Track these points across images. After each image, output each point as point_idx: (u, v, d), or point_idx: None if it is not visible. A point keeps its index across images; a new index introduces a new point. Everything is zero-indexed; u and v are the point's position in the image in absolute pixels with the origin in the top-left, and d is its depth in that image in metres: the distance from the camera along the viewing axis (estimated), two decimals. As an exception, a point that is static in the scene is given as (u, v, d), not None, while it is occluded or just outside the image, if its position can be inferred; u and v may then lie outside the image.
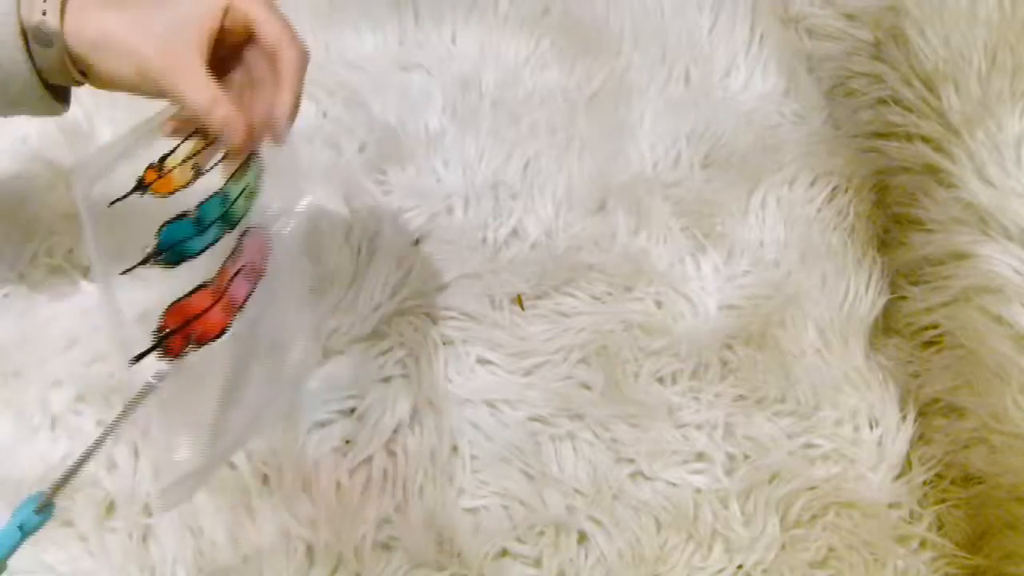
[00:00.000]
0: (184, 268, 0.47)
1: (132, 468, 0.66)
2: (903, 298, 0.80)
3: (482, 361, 0.74)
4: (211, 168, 0.49)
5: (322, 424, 0.70)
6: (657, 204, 0.82)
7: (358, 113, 0.83)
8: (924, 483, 0.73)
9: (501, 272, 0.77)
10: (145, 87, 0.48)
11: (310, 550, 0.66)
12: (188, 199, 0.47)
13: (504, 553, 0.68)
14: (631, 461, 0.72)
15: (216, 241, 0.48)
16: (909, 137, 0.82)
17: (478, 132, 0.82)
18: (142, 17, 0.46)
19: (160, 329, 0.46)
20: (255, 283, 0.48)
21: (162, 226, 0.47)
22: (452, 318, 0.75)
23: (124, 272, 0.45)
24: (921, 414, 0.76)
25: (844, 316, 0.79)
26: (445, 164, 0.81)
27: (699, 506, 0.70)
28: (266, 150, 0.50)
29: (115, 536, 0.64)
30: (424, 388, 0.72)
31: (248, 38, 0.49)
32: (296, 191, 0.51)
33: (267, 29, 0.47)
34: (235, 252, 0.48)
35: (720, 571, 0.68)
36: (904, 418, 0.75)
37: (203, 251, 0.48)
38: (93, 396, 0.66)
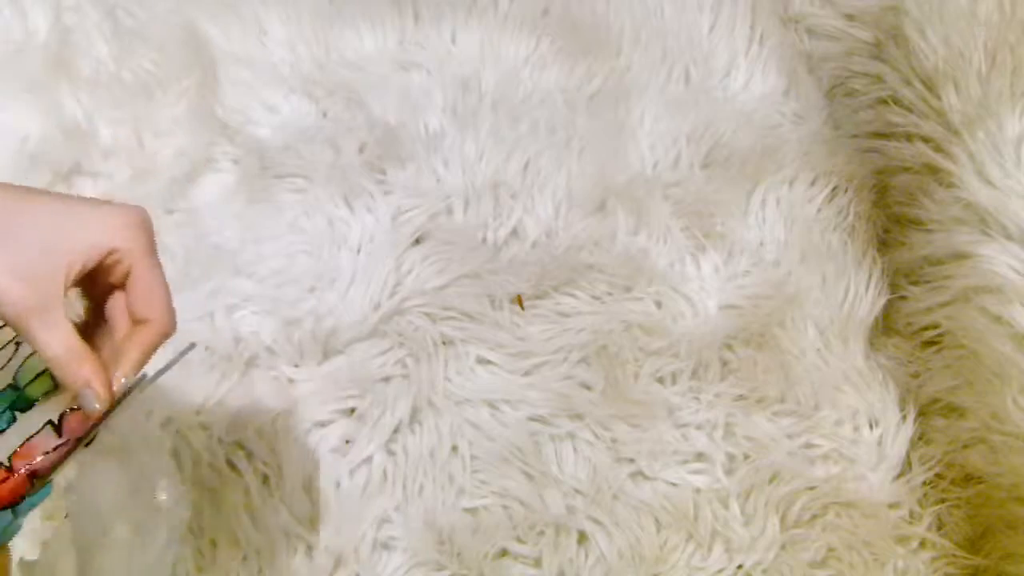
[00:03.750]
0: None
1: (132, 468, 0.66)
2: (903, 298, 0.80)
3: (482, 361, 0.74)
4: (7, 361, 0.45)
5: (322, 424, 0.70)
6: (657, 204, 0.82)
7: (358, 113, 0.83)
8: (924, 483, 0.73)
9: (501, 272, 0.77)
10: None
11: (310, 550, 0.66)
12: None
13: (504, 553, 0.68)
14: (631, 461, 0.72)
15: (8, 427, 0.44)
16: (909, 137, 0.81)
17: (478, 132, 0.82)
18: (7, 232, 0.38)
19: None
20: (74, 448, 0.44)
21: None
22: (452, 318, 0.75)
23: None
24: (921, 414, 0.76)
25: (844, 316, 0.79)
26: (445, 164, 0.81)
27: (699, 506, 0.70)
28: None
29: (115, 536, 0.64)
30: (424, 388, 0.72)
31: (117, 285, 0.43)
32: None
33: (146, 296, 0.42)
34: (44, 431, 0.44)
35: (720, 571, 0.68)
36: (904, 418, 0.75)
37: None
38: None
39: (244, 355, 0.71)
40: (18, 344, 0.44)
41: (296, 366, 0.72)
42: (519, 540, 0.68)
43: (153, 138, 0.79)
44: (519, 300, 0.77)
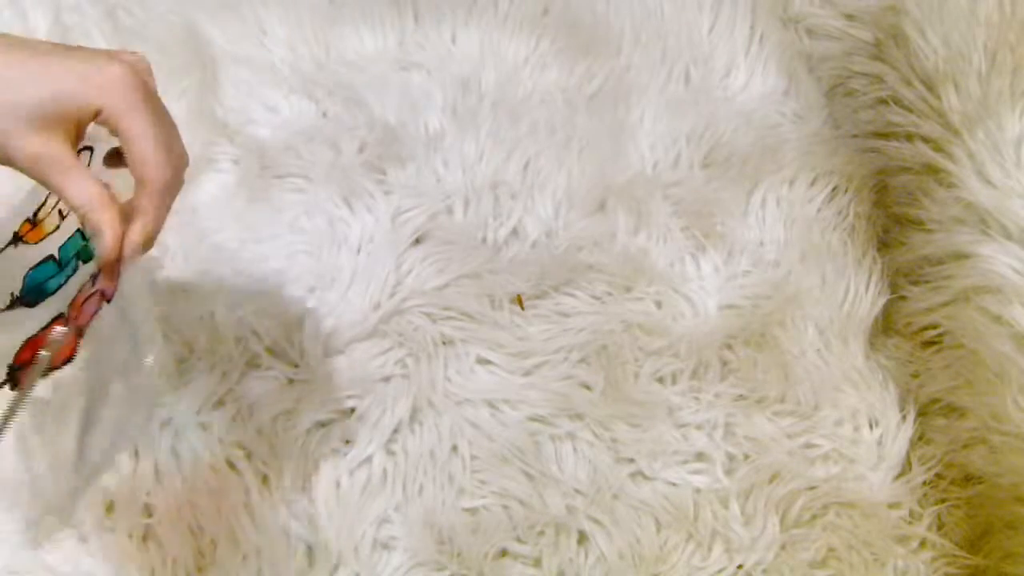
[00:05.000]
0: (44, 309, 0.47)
1: (132, 469, 0.66)
2: (903, 298, 0.80)
3: (482, 361, 0.74)
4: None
5: (322, 424, 0.70)
6: (657, 204, 0.82)
7: (358, 113, 0.83)
8: (924, 483, 0.73)
9: (501, 272, 0.77)
10: (12, 165, 0.42)
11: (310, 550, 0.66)
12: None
13: (504, 553, 0.68)
14: (631, 461, 0.72)
15: (73, 275, 0.48)
16: (909, 137, 0.81)
17: (478, 132, 0.82)
18: (6, 88, 0.39)
19: (12, 364, 0.46)
20: (100, 306, 0.48)
21: (27, 272, 0.47)
22: (452, 318, 0.75)
23: None
24: (921, 414, 0.76)
25: (844, 316, 0.79)
26: (445, 164, 0.81)
27: (699, 506, 0.70)
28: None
29: (115, 536, 0.64)
30: (424, 388, 0.72)
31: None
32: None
33: (135, 156, 0.42)
34: (88, 282, 0.48)
35: (720, 571, 0.69)
36: (904, 418, 0.75)
37: (61, 287, 0.47)
38: None
39: (244, 355, 0.71)
40: None
41: (296, 366, 0.72)
42: (519, 540, 0.68)
43: (153, 138, 0.79)
44: (519, 300, 0.77)
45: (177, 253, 0.75)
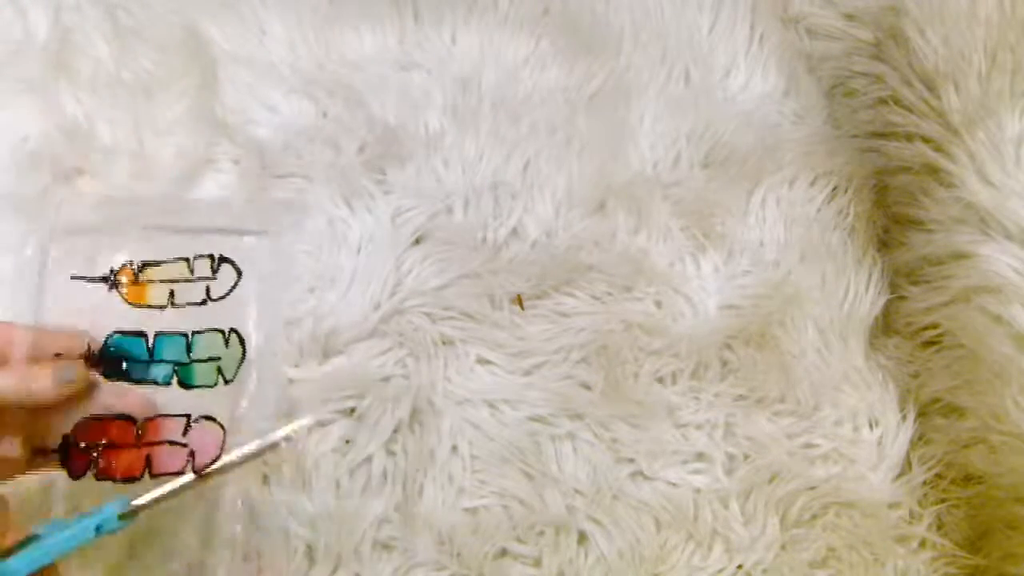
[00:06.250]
0: None
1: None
2: (903, 298, 0.80)
3: (482, 361, 0.74)
4: (187, 304, 0.47)
5: (322, 424, 0.70)
6: (657, 204, 0.82)
7: (358, 113, 0.83)
8: (924, 483, 0.73)
9: (501, 272, 0.77)
10: None
11: (310, 550, 0.66)
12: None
13: (504, 553, 0.68)
14: (631, 461, 0.72)
15: (163, 384, 0.47)
16: (909, 137, 0.81)
17: (478, 132, 0.82)
18: None
19: (67, 437, 0.45)
20: (184, 469, 0.47)
21: (113, 333, 0.46)
22: (452, 318, 0.75)
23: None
24: (921, 414, 0.76)
25: (844, 316, 0.79)
26: (445, 164, 0.81)
27: (699, 506, 0.70)
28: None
29: (115, 536, 0.64)
30: (424, 388, 0.72)
31: None
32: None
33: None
34: (177, 419, 0.47)
35: (720, 571, 0.69)
36: (904, 418, 0.75)
37: (141, 382, 0.46)
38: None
39: (244, 355, 0.71)
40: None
41: (296, 366, 0.72)
42: (519, 540, 0.68)
43: (153, 138, 0.79)
44: (519, 300, 0.77)
45: (177, 253, 0.75)
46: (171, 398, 0.47)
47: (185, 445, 0.47)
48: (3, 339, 0.44)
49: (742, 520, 0.70)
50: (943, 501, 0.72)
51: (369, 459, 0.69)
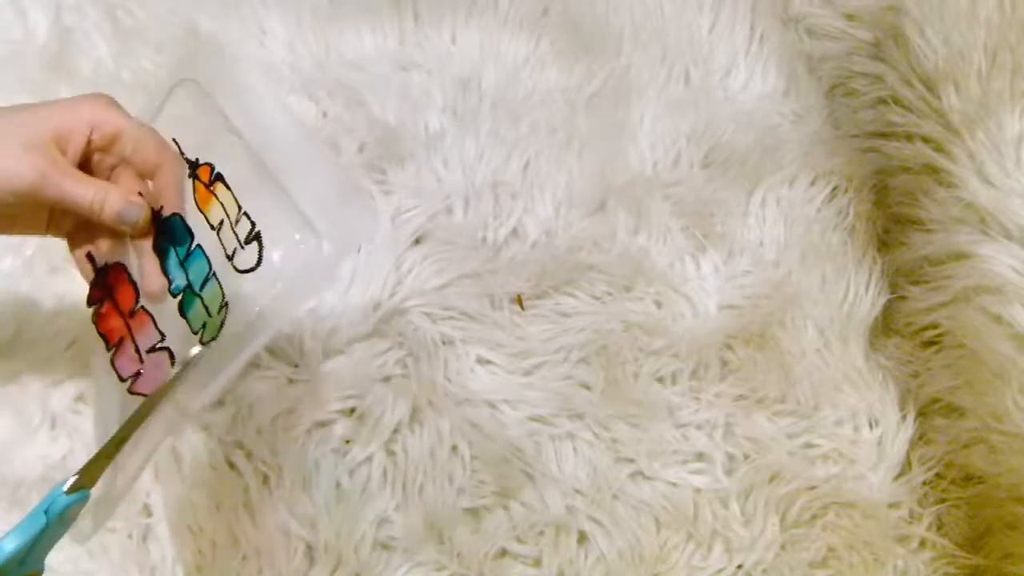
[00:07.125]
0: None
1: (132, 468, 0.66)
2: (903, 298, 0.80)
3: (482, 361, 0.74)
4: (223, 246, 0.46)
5: (322, 424, 0.70)
6: (657, 204, 0.82)
7: (358, 113, 0.83)
8: (924, 483, 0.73)
9: (501, 272, 0.77)
10: (21, 205, 0.45)
11: (310, 550, 0.66)
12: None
13: (504, 553, 0.68)
14: (631, 461, 0.72)
15: (173, 292, 0.47)
16: (909, 137, 0.81)
17: (478, 132, 0.82)
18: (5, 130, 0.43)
19: (103, 269, 0.49)
20: (127, 382, 0.48)
21: (179, 214, 0.48)
22: (452, 318, 0.75)
23: None
24: (921, 414, 0.76)
25: (844, 316, 0.79)
26: (445, 164, 0.81)
27: (699, 506, 0.70)
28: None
29: (115, 536, 0.64)
30: (424, 388, 0.72)
31: (117, 163, 0.47)
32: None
33: (144, 147, 0.46)
34: (156, 332, 0.48)
35: (720, 571, 0.69)
36: (904, 418, 0.75)
37: (163, 271, 0.48)
38: (93, 395, 0.66)
39: (244, 355, 0.71)
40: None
41: (296, 366, 0.72)
42: (519, 540, 0.68)
43: (153, 138, 0.79)
44: (519, 300, 0.77)
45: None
46: (164, 307, 0.48)
47: (142, 361, 0.48)
48: (112, 128, 0.46)
49: (742, 520, 0.70)
50: (943, 501, 0.72)
51: (369, 459, 0.69)
